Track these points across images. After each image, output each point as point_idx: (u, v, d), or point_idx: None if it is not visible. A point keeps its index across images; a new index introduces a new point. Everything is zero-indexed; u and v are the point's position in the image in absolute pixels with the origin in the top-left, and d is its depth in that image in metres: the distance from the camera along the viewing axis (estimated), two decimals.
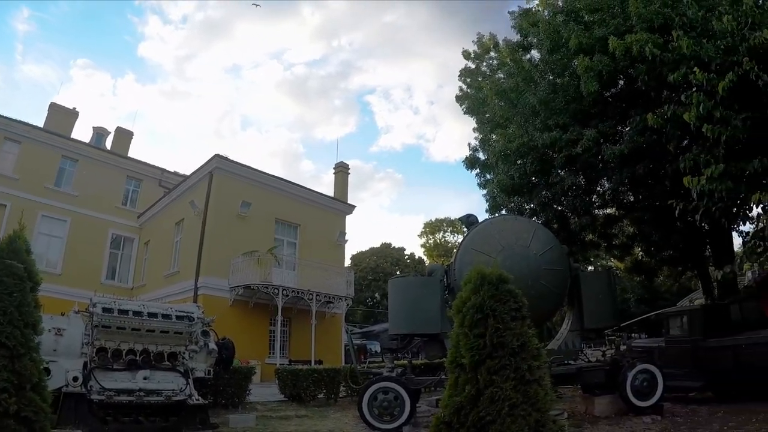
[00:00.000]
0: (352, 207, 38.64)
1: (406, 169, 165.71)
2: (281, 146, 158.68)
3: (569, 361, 15.30)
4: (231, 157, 31.79)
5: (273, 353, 30.42)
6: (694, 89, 12.41)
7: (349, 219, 37.54)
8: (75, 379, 11.38)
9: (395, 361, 15.88)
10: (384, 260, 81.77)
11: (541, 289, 14.45)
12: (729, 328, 16.61)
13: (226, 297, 29.65)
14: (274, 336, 31.05)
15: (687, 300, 43.46)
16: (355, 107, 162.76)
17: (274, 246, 31.35)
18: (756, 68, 11.45)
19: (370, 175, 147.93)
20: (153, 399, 12.02)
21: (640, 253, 28.64)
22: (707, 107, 12.04)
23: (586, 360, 16.16)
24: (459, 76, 27.61)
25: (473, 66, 27.46)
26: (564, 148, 18.75)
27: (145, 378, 12.19)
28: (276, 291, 28.90)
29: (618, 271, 36.01)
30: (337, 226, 37.05)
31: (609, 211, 25.34)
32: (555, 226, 21.80)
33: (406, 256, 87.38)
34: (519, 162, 21.13)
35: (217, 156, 31.09)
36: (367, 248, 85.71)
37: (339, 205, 37.87)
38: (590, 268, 32.68)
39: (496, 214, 22.46)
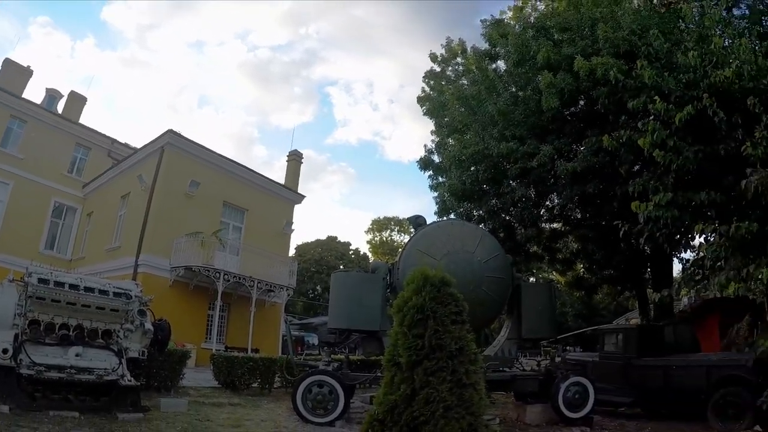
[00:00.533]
0: (302, 197, 38.30)
1: (359, 164, 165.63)
2: (236, 129, 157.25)
3: (504, 369, 15.56)
4: (184, 134, 31.50)
5: (210, 338, 30.11)
6: (651, 117, 12.79)
7: (298, 209, 37.30)
8: (4, 351, 10.95)
9: (332, 356, 16.06)
10: (329, 253, 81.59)
11: (483, 295, 14.62)
12: (662, 349, 17.15)
13: (167, 277, 29.22)
14: (212, 321, 30.75)
15: (623, 319, 44.47)
16: (315, 97, 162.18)
17: (219, 229, 30.98)
18: (714, 105, 11.89)
19: (323, 166, 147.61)
20: (84, 377, 11.68)
21: (582, 269, 29.29)
22: (662, 135, 12.43)
23: (521, 368, 16.44)
24: (423, 77, 27.88)
25: (438, 69, 27.75)
26: (519, 160, 19.10)
27: (77, 355, 11.80)
28: (217, 275, 28.56)
29: (559, 285, 36.70)
30: (284, 215, 36.84)
31: (555, 225, 25.84)
32: (501, 234, 22.08)
33: (351, 251, 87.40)
34: (472, 168, 21.44)
35: (170, 131, 30.50)
36: (313, 239, 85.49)
37: (288, 194, 37.62)
38: (532, 279, 33.24)
39: (445, 218, 22.70)
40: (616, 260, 23.46)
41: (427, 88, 27.57)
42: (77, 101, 41.34)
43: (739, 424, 13.41)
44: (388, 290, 15.58)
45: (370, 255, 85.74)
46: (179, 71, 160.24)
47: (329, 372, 13.91)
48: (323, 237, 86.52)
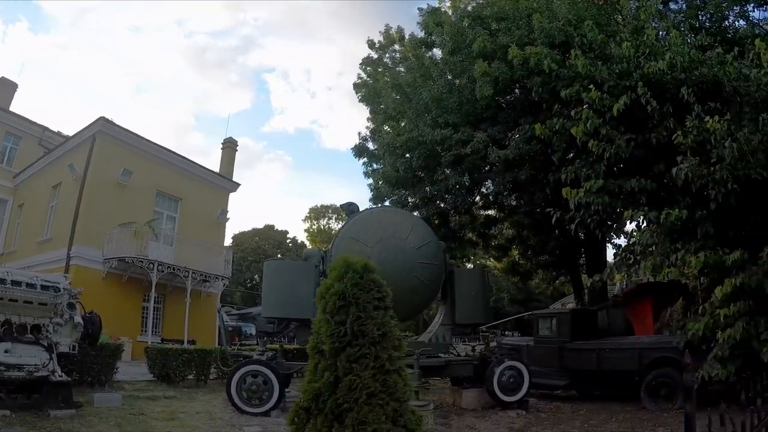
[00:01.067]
0: (237, 185, 37.81)
1: (296, 152, 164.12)
2: (173, 116, 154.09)
3: (439, 354, 15.74)
4: (117, 122, 30.71)
5: (145, 331, 29.45)
6: (585, 106, 12.96)
7: (234, 197, 36.85)
8: None
9: (267, 345, 16.12)
10: (266, 242, 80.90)
11: (415, 282, 15.01)
12: (595, 333, 17.66)
13: (100, 269, 28.45)
14: (147, 313, 29.96)
15: (559, 303, 45.22)
16: (252, 84, 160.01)
17: (152, 219, 30.35)
18: (648, 94, 12.11)
19: (260, 155, 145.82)
20: (14, 374, 11.36)
21: (517, 255, 29.65)
22: (594, 124, 12.60)
23: (456, 354, 16.70)
24: (360, 64, 27.79)
25: (376, 56, 27.70)
26: (453, 147, 19.21)
27: (6, 351, 11.42)
28: (151, 266, 28.03)
29: (495, 272, 37.06)
30: (219, 204, 36.24)
31: (491, 212, 26.10)
32: (436, 221, 22.25)
33: (289, 240, 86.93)
34: (407, 155, 21.50)
35: (101, 119, 29.62)
36: (250, 228, 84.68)
37: (223, 182, 36.98)
38: (469, 265, 33.50)
39: (379, 205, 22.77)
40: (550, 246, 23.90)
41: (363, 75, 27.54)
42: (7, 87, 39.18)
43: (672, 405, 13.96)
44: (322, 278, 15.03)
45: (308, 243, 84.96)
46: (116, 57, 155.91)
47: (263, 362, 13.87)
48: (261, 226, 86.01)
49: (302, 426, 5.43)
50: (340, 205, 16.85)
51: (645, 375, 14.80)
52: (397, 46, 27.09)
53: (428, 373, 15.14)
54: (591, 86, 13.03)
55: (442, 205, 23.26)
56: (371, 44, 27.68)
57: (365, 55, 28.26)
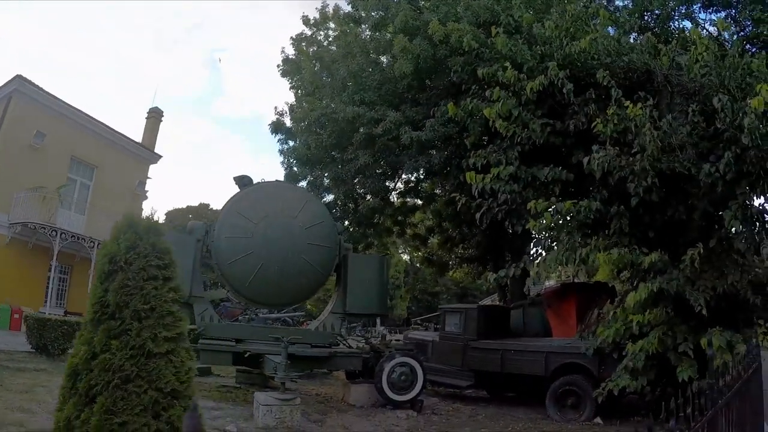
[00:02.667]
0: (158, 156, 35.80)
1: (249, 133, 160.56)
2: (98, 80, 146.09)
3: (327, 344, 14.53)
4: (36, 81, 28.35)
5: (48, 302, 27.42)
6: (497, 86, 11.99)
7: (170, 175, 34.83)
8: None
9: None
10: (200, 219, 78.69)
11: (302, 264, 13.99)
12: (505, 332, 16.64)
13: (4, 234, 26.53)
14: (51, 283, 28.00)
15: (489, 299, 44.36)
16: (198, 59, 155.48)
17: (63, 185, 28.43)
18: (560, 75, 11.10)
19: (211, 136, 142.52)
20: None
21: (436, 247, 28.61)
22: (508, 106, 11.63)
23: (347, 345, 15.66)
24: (292, 40, 26.24)
25: (309, 33, 26.27)
26: (365, 125, 18.09)
27: None
28: (54, 233, 26.32)
29: (417, 264, 36.10)
30: (139, 174, 34.32)
31: (410, 200, 25.05)
32: (350, 206, 21.18)
33: None
34: (320, 132, 20.27)
35: (18, 77, 27.31)
36: (185, 206, 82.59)
37: (143, 152, 34.88)
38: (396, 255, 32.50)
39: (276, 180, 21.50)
40: (474, 239, 22.89)
41: (292, 51, 26.08)
42: None
43: (579, 415, 12.84)
44: (208, 253, 14.50)
45: None
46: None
47: None
48: (196, 204, 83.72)
49: (62, 406, 4.42)
50: (233, 178, 15.46)
51: (551, 381, 13.71)
52: (331, 23, 25.73)
53: (311, 364, 14.44)
54: (507, 64, 11.99)
55: (359, 188, 21.98)
56: (306, 21, 26.17)
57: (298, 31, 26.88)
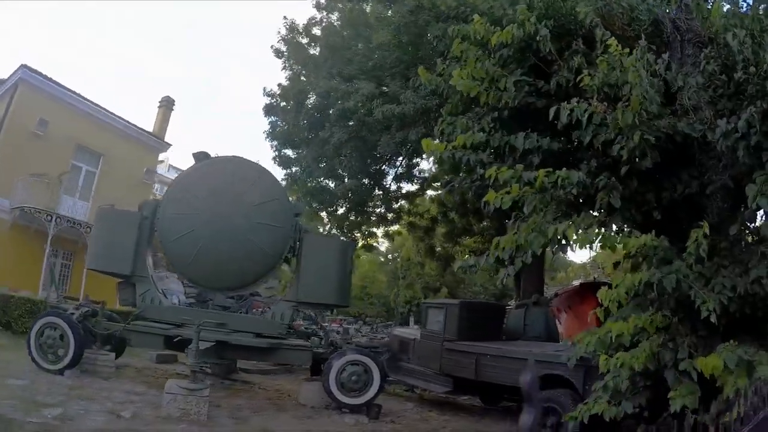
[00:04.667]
0: (168, 145, 33.12)
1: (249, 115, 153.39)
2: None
3: (274, 335, 12.20)
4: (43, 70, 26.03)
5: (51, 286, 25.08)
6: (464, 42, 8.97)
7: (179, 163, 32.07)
8: None
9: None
10: None
11: (248, 245, 12.01)
12: (495, 333, 13.64)
13: (6, 218, 24.37)
14: (53, 268, 25.15)
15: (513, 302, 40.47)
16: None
17: (65, 171, 26.13)
18: (539, 25, 8.09)
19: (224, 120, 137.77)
20: None
21: (442, 237, 25.36)
22: (475, 61, 8.61)
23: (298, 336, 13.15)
24: (285, 21, 23.04)
25: (320, 17, 23.24)
26: (339, 99, 15.16)
27: None
28: (59, 220, 24.25)
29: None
30: (147, 162, 31.58)
31: (411, 187, 21.84)
32: (332, 186, 18.29)
33: None
34: (298, 110, 17.44)
35: (23, 66, 25.20)
36: None
37: (152, 140, 32.06)
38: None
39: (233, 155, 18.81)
40: (481, 228, 19.89)
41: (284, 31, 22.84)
42: None
43: None
44: (156, 231, 12.71)
45: None
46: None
47: (63, 315, 11.34)
48: None
49: None
50: (192, 154, 13.41)
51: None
52: (339, 4, 22.56)
53: (250, 356, 12.67)
54: (476, 16, 8.91)
55: (339, 170, 19.02)
56: (318, 5, 23.15)
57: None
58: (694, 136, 7.00)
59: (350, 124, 15.88)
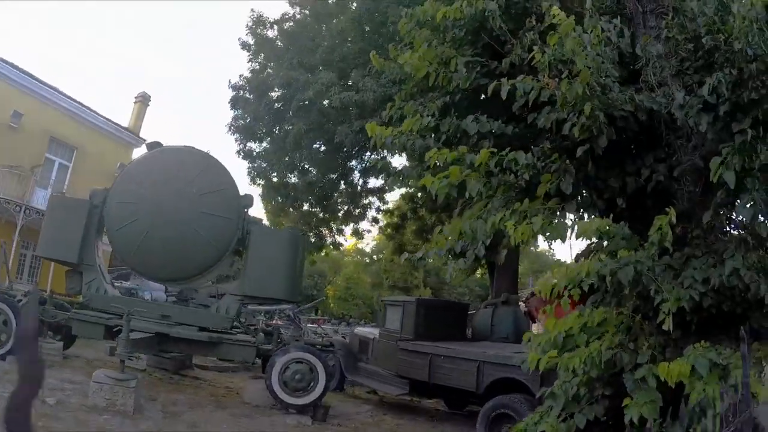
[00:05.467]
0: (142, 140, 30.30)
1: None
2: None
3: (219, 329, 11.26)
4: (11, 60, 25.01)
5: (20, 278, 24.00)
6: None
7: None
8: None
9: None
10: None
11: (192, 235, 11.06)
12: (458, 334, 12.66)
13: None
14: (24, 261, 25.04)
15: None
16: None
17: (40, 164, 25.27)
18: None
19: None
20: None
21: (411, 234, 24.12)
22: (421, 41, 7.59)
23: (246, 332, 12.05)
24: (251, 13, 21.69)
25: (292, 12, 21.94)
26: (299, 89, 14.14)
27: None
28: (28, 211, 23.26)
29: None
30: (121, 157, 29.41)
31: (378, 182, 20.65)
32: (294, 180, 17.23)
33: None
34: (258, 101, 16.34)
35: None
36: None
37: (127, 135, 30.95)
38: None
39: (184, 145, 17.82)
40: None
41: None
42: None
43: None
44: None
45: None
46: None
47: (8, 301, 10.67)
48: None
49: None
50: (145, 144, 12.90)
51: (485, 400, 9.45)
52: None
53: (190, 350, 11.68)
54: None
55: (298, 162, 17.80)
56: (291, 1, 21.94)
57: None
58: (659, 111, 5.93)
59: (310, 114, 14.75)
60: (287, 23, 20.31)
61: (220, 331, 11.11)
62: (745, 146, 5.10)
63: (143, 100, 32.31)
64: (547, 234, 5.75)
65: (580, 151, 6.08)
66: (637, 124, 6.18)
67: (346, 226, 23.27)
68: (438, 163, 6.61)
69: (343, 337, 16.92)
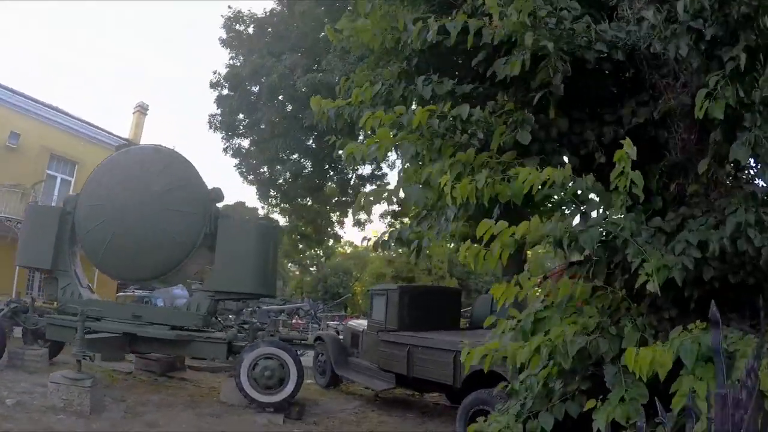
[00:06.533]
0: None
1: None
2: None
3: (190, 327, 10.59)
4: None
5: (30, 292, 22.03)
6: None
7: None
8: None
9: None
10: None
11: (158, 233, 10.52)
12: (449, 323, 11.34)
13: None
14: (33, 276, 23.83)
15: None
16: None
17: (39, 181, 24.40)
18: None
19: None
20: None
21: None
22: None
23: (223, 328, 11.66)
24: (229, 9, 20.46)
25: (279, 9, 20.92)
26: (265, 75, 13.18)
27: None
28: (19, 226, 20.66)
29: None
30: None
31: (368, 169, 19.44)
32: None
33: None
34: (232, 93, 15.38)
35: None
36: None
37: (126, 146, 30.06)
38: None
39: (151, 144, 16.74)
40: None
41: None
42: None
43: None
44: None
45: None
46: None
47: None
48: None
49: None
50: (115, 147, 11.91)
51: (464, 395, 8.25)
52: None
53: (161, 349, 11.02)
54: None
55: (281, 154, 16.46)
56: None
57: None
58: (638, 49, 4.78)
59: (278, 101, 13.71)
60: (275, 18, 19.30)
61: (191, 329, 10.37)
62: (737, 73, 3.92)
63: (141, 110, 31.57)
64: (496, 194, 4.49)
65: (536, 97, 4.93)
66: (615, 66, 5.05)
67: (344, 217, 22.10)
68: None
69: (336, 331, 15.79)
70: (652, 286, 3.69)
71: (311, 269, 48.62)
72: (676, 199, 4.61)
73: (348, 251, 49.34)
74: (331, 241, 24.08)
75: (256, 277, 10.56)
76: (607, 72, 5.12)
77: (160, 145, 11.66)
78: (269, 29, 14.82)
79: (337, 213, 21.57)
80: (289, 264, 48.95)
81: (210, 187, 11.33)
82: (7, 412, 7.62)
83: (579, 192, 4.26)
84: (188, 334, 10.26)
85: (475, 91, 5.58)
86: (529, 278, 4.35)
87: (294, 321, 28.80)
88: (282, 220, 21.56)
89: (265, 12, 19.80)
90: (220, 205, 11.57)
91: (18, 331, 11.75)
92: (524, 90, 5.38)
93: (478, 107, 5.09)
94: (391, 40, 6.31)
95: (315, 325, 22.24)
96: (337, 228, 23.65)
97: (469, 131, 5.06)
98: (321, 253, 45.78)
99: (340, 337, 13.51)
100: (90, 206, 10.98)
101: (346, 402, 11.53)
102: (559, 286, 4.40)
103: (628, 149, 3.84)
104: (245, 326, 11.37)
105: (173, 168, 11.08)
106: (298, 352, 10.24)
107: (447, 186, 4.36)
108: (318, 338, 13.20)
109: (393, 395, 12.33)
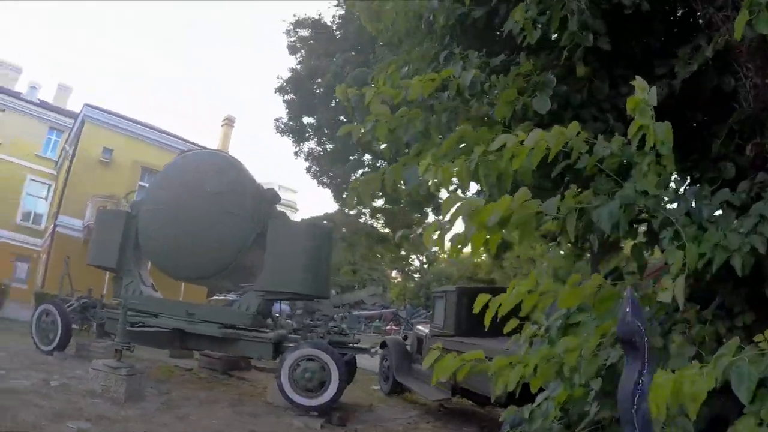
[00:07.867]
0: None
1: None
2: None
3: (240, 326, 10.42)
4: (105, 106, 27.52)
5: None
6: None
7: None
8: None
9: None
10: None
11: (209, 235, 10.75)
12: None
13: (79, 236, 25.21)
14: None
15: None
16: None
17: (131, 191, 24.95)
18: None
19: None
20: None
21: None
22: None
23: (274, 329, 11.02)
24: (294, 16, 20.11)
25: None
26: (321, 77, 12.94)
27: None
28: None
29: None
30: None
31: None
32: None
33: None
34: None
35: (86, 105, 26.40)
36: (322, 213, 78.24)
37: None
38: None
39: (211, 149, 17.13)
40: None
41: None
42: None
43: None
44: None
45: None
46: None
47: (56, 304, 11.64)
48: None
49: None
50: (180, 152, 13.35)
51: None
52: None
53: (209, 346, 10.97)
54: None
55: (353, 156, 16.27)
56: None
57: None
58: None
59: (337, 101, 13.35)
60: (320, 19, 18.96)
61: (240, 328, 10.18)
62: None
63: (229, 123, 33.40)
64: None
65: (564, 56, 4.20)
66: (660, 9, 4.21)
67: (420, 216, 21.40)
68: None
69: (404, 337, 15.06)
70: (677, 290, 2.47)
71: (414, 276, 47.95)
72: (754, 163, 3.54)
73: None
74: (435, 248, 23.21)
75: (305, 277, 10.24)
76: (650, 18, 4.23)
77: (218, 151, 11.99)
78: (334, 31, 14.65)
79: (417, 215, 20.94)
80: (393, 272, 49.12)
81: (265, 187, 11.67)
82: (48, 392, 7.94)
83: (602, 159, 2.96)
84: (235, 333, 10.14)
85: (510, 63, 4.66)
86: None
87: (388, 327, 28.52)
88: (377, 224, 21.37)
89: (320, 16, 19.71)
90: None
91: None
92: (552, 52, 4.64)
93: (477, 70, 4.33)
94: (412, 18, 5.79)
95: (410, 331, 21.78)
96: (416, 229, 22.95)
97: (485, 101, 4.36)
98: (424, 260, 45.47)
99: (407, 342, 12.79)
100: (149, 210, 11.44)
101: (402, 411, 10.67)
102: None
103: (643, 93, 2.76)
104: (315, 330, 10.86)
105: (226, 172, 11.33)
106: (346, 355, 9.69)
107: (428, 172, 3.26)
108: (383, 343, 12.57)
109: (460, 406, 11.33)
